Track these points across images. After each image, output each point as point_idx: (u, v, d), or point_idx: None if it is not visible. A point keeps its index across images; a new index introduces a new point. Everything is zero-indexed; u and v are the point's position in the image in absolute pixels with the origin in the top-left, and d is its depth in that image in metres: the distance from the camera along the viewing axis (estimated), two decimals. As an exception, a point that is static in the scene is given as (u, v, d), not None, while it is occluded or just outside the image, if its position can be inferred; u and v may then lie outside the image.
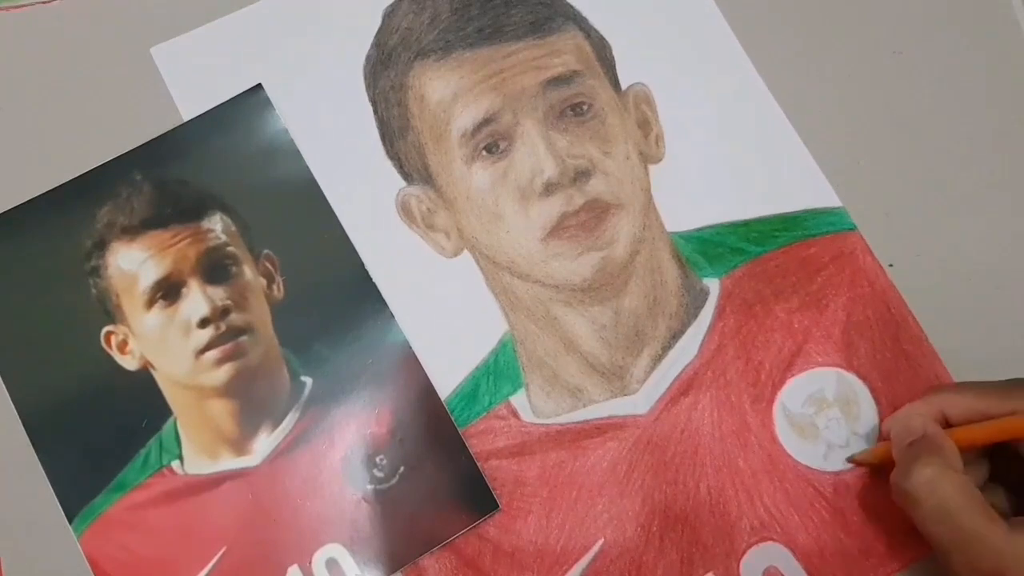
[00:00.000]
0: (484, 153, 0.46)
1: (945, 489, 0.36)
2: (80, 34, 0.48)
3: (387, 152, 0.46)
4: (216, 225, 0.45)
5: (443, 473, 0.42)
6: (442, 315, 0.44)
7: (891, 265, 0.45)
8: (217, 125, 0.46)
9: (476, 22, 0.47)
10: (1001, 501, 0.39)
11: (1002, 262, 0.45)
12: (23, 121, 0.47)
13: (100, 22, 0.48)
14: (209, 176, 0.45)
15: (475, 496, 0.42)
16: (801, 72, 0.48)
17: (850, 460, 0.42)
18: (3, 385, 0.43)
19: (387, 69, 0.47)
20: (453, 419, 0.43)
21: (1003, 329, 0.44)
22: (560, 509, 0.42)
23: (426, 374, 0.43)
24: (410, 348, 0.44)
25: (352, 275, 0.45)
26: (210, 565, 0.41)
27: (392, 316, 0.44)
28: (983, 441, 0.38)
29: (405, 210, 0.46)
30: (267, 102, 0.47)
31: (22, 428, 0.42)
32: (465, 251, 0.45)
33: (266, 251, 0.45)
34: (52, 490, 0.42)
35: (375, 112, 0.47)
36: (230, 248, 0.45)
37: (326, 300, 0.44)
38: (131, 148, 0.46)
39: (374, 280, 0.44)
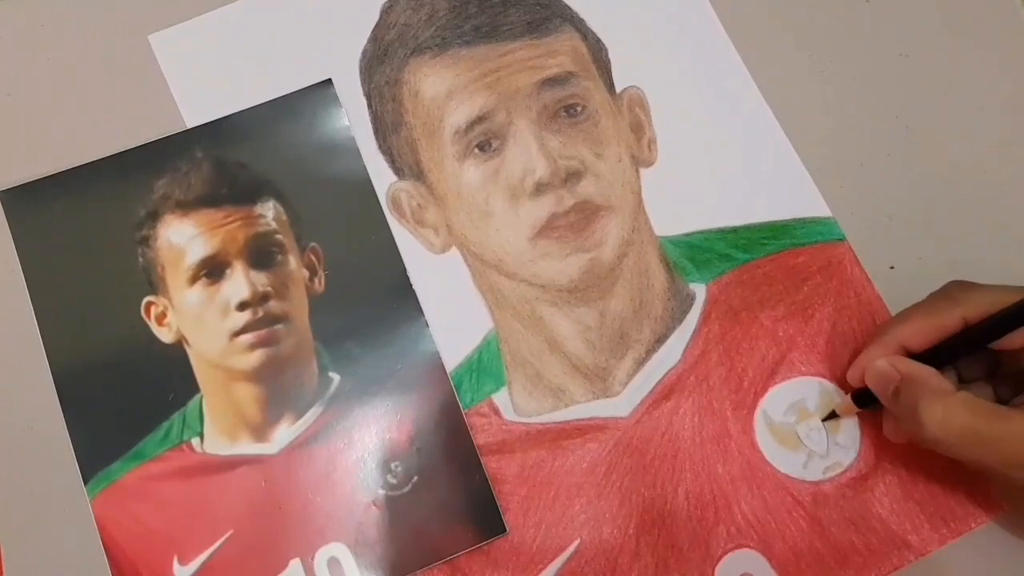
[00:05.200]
0: (476, 151, 0.46)
1: (958, 419, 0.36)
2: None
3: (379, 146, 0.47)
4: (268, 211, 0.45)
5: (456, 489, 0.42)
6: (428, 311, 0.44)
7: (892, 267, 0.45)
8: (284, 113, 0.46)
9: (473, 20, 0.48)
10: (989, 395, 0.39)
11: (1002, 266, 0.45)
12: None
13: None
14: (268, 162, 0.46)
15: (484, 517, 0.41)
16: (797, 80, 0.48)
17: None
18: (40, 339, 0.43)
19: (383, 64, 0.47)
20: (473, 438, 0.43)
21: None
22: (538, 508, 0.42)
23: (452, 388, 0.43)
24: (439, 360, 0.43)
25: (393, 280, 0.45)
26: (215, 546, 0.41)
27: (427, 325, 0.44)
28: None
29: (395, 204, 0.46)
30: (335, 98, 0.47)
31: (52, 384, 0.43)
32: (453, 247, 0.45)
33: (313, 244, 0.45)
34: (72, 450, 0.42)
35: (369, 106, 0.47)
36: (278, 236, 0.45)
37: (365, 300, 0.44)
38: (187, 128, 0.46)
39: (414, 288, 0.44)
